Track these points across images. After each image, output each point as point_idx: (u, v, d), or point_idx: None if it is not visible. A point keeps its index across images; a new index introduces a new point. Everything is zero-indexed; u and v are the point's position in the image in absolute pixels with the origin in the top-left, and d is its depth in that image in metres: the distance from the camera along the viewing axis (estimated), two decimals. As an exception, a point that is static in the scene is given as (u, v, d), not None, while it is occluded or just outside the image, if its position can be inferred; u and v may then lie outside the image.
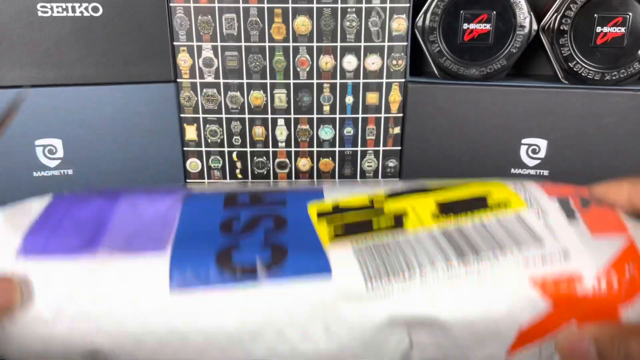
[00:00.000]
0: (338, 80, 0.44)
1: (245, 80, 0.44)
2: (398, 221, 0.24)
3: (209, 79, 0.44)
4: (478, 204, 0.25)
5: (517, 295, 0.22)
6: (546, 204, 0.25)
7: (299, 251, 0.23)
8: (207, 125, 0.45)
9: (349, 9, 0.42)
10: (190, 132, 0.45)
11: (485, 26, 0.42)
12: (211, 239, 0.23)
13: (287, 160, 0.47)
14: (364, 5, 0.42)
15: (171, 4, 0.42)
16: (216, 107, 0.45)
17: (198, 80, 0.44)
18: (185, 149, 0.46)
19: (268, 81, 0.44)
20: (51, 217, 0.25)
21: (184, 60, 0.43)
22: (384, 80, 0.44)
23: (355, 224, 0.24)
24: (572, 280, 0.22)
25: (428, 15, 0.42)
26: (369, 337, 0.22)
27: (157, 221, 0.25)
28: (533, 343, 0.22)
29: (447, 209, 0.25)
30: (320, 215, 0.25)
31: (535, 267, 0.22)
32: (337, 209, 0.25)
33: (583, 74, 0.42)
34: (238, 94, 0.44)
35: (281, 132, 0.45)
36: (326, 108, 0.45)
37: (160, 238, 0.23)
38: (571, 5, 0.40)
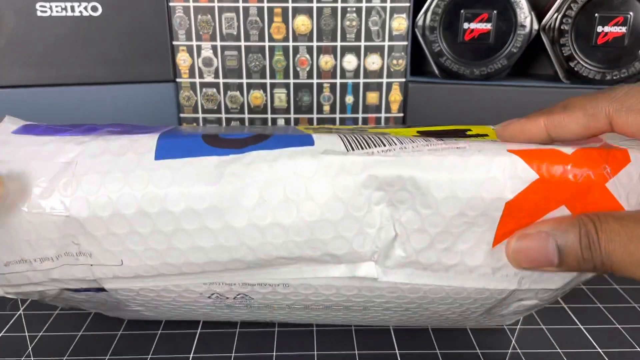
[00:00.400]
0: (338, 80, 0.44)
1: (245, 80, 0.44)
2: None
3: (209, 78, 0.44)
4: (458, 133, 0.26)
5: (501, 162, 0.22)
6: None
7: (282, 133, 0.23)
8: (207, 125, 0.45)
9: (349, 9, 0.42)
10: (190, 132, 0.45)
11: (485, 26, 0.41)
12: (199, 132, 0.24)
13: (287, 160, 0.46)
14: (364, 4, 0.42)
15: (171, 4, 0.41)
16: (216, 107, 0.45)
17: (198, 80, 0.44)
18: (185, 148, 0.46)
19: (268, 81, 0.44)
20: (36, 127, 0.25)
21: (183, 59, 0.43)
22: (384, 80, 0.44)
23: (338, 128, 0.25)
24: (556, 153, 0.22)
25: (428, 15, 0.42)
26: (349, 199, 0.22)
27: (145, 130, 0.25)
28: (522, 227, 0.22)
29: (429, 133, 0.26)
30: (307, 129, 0.26)
31: (517, 147, 0.22)
32: (324, 127, 0.26)
33: (584, 74, 0.41)
34: (238, 93, 0.44)
35: (281, 132, 0.45)
36: (326, 108, 0.45)
37: (150, 131, 0.24)
38: (572, 5, 0.40)
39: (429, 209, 0.22)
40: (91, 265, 0.23)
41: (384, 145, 0.22)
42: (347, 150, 0.22)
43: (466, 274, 0.24)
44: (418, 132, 0.27)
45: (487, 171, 0.22)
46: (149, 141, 0.23)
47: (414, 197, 0.22)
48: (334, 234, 0.22)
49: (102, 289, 0.24)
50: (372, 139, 0.23)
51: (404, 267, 0.24)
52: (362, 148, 0.22)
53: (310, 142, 0.22)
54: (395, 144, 0.23)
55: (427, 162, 0.22)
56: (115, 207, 0.22)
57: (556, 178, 0.22)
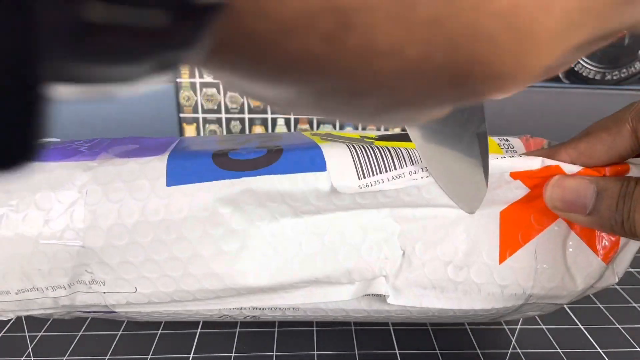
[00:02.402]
0: (338, 80, 0.44)
1: (245, 80, 0.44)
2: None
3: (209, 78, 0.44)
4: None
5: (494, 177, 0.22)
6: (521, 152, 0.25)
7: (294, 149, 0.22)
8: (207, 125, 0.45)
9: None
10: (190, 132, 0.45)
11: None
12: (207, 150, 0.23)
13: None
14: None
15: (171, 4, 0.41)
16: (216, 107, 0.45)
17: (197, 80, 0.44)
18: (184, 148, 0.46)
19: (268, 81, 0.44)
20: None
21: (183, 59, 0.43)
22: (384, 80, 0.44)
23: (345, 138, 0.24)
24: (556, 170, 0.22)
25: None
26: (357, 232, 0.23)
27: (152, 147, 0.24)
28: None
29: None
30: (313, 135, 0.25)
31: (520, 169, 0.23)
32: (329, 135, 0.25)
33: (584, 74, 0.41)
34: (238, 93, 0.44)
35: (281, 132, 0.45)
36: (326, 108, 0.45)
37: (157, 150, 0.24)
38: (572, 5, 0.40)
39: (433, 220, 0.23)
40: (104, 292, 0.23)
41: (394, 169, 0.22)
42: (359, 178, 0.22)
43: (475, 294, 0.23)
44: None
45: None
46: (159, 164, 0.22)
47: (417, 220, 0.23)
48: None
49: (113, 312, 0.24)
50: (384, 161, 0.22)
51: (412, 286, 0.23)
52: (373, 174, 0.22)
53: (322, 167, 0.22)
54: (406, 166, 0.22)
55: (431, 193, 0.23)
56: (132, 235, 0.22)
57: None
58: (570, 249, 0.23)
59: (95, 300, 0.23)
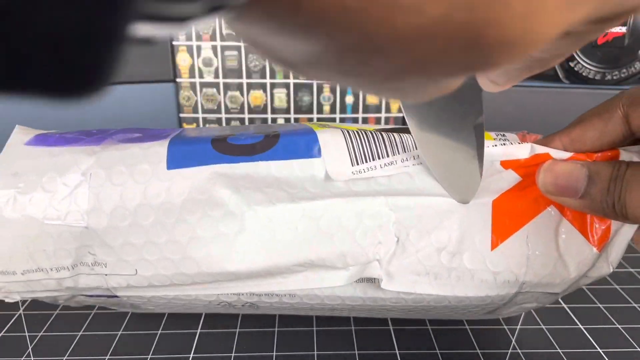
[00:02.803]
0: (338, 80, 0.44)
1: (245, 80, 0.44)
2: None
3: (209, 78, 0.44)
4: None
5: (486, 167, 0.23)
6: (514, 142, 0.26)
7: (290, 135, 0.23)
8: (207, 125, 0.45)
9: (349, 9, 0.42)
10: (190, 132, 0.45)
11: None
12: (207, 136, 0.24)
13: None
14: (364, 4, 0.42)
15: (171, 4, 0.41)
16: (216, 107, 0.45)
17: (197, 80, 0.44)
18: (184, 148, 0.46)
19: (268, 81, 0.44)
20: (47, 137, 0.25)
21: (183, 59, 0.43)
22: (384, 80, 0.44)
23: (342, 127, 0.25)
24: (546, 157, 0.23)
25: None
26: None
27: (155, 135, 0.25)
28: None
29: None
30: (312, 124, 0.26)
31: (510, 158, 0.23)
32: (328, 126, 0.26)
33: (584, 74, 0.41)
34: (238, 93, 0.44)
35: (281, 132, 0.45)
36: (326, 108, 0.45)
37: (159, 137, 0.24)
38: (572, 5, 0.40)
39: (427, 209, 0.23)
40: (106, 275, 0.23)
41: (387, 157, 0.23)
42: (352, 165, 0.22)
43: (468, 280, 0.24)
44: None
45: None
46: (160, 149, 0.23)
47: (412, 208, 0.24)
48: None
49: (115, 296, 0.25)
50: (377, 148, 0.23)
51: (406, 272, 0.24)
52: (366, 161, 0.22)
53: (317, 153, 0.22)
54: (398, 154, 0.23)
55: (424, 180, 0.23)
56: (134, 217, 0.22)
57: None
58: (563, 236, 0.23)
59: (98, 283, 0.24)
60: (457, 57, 0.10)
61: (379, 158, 0.23)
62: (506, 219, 0.23)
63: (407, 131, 0.25)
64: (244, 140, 0.23)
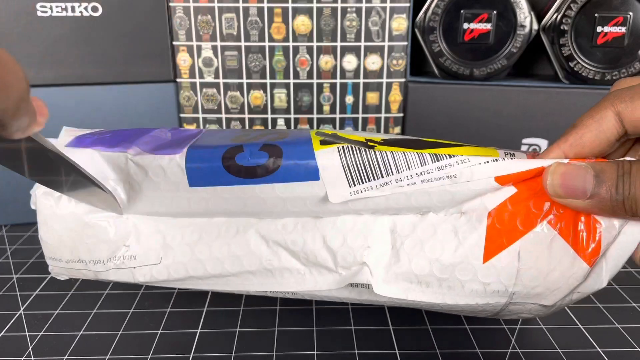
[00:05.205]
0: (338, 80, 0.44)
1: (245, 80, 0.44)
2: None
3: (209, 78, 0.44)
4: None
5: (482, 183, 0.24)
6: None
7: (292, 157, 0.25)
8: (207, 125, 0.45)
9: (349, 9, 0.42)
10: (190, 132, 0.45)
11: (485, 26, 0.41)
12: (219, 149, 0.26)
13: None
14: (364, 4, 0.42)
15: (171, 4, 0.41)
16: (216, 107, 0.45)
17: (198, 80, 0.44)
18: (185, 149, 0.46)
19: (268, 81, 0.44)
20: (85, 139, 0.27)
21: (183, 60, 0.43)
22: (384, 80, 0.44)
23: (346, 139, 0.26)
24: (541, 170, 0.23)
25: (428, 15, 0.42)
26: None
27: (172, 144, 0.27)
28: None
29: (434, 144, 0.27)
30: (317, 134, 0.27)
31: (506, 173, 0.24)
32: (335, 135, 0.27)
33: (583, 74, 0.41)
34: (238, 93, 0.44)
35: (281, 132, 0.45)
36: (326, 108, 0.45)
37: (177, 146, 0.26)
38: (572, 5, 0.40)
39: (423, 230, 0.25)
40: (134, 267, 0.27)
41: (382, 177, 0.24)
42: (350, 186, 0.24)
43: (458, 289, 0.24)
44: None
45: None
46: (179, 163, 0.25)
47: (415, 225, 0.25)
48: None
49: None
50: (372, 168, 0.24)
51: (400, 280, 0.25)
52: (362, 182, 0.24)
53: (316, 176, 0.24)
54: (392, 174, 0.24)
55: (420, 199, 0.24)
56: (164, 219, 0.26)
57: (535, 190, 0.23)
58: (554, 251, 0.23)
59: (126, 277, 0.27)
60: None
61: (374, 179, 0.24)
62: (500, 233, 0.24)
63: (405, 143, 0.25)
64: (250, 160, 0.25)
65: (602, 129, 0.23)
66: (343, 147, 0.24)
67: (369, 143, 0.25)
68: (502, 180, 0.23)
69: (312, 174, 0.24)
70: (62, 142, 0.27)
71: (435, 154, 0.24)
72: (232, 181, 0.25)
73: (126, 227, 0.26)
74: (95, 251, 0.26)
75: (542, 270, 0.24)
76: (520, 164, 0.23)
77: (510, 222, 0.24)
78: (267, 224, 0.26)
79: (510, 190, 0.24)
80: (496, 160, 0.23)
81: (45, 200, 0.26)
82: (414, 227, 0.25)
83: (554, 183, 0.22)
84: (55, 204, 0.26)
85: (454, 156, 0.24)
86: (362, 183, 0.24)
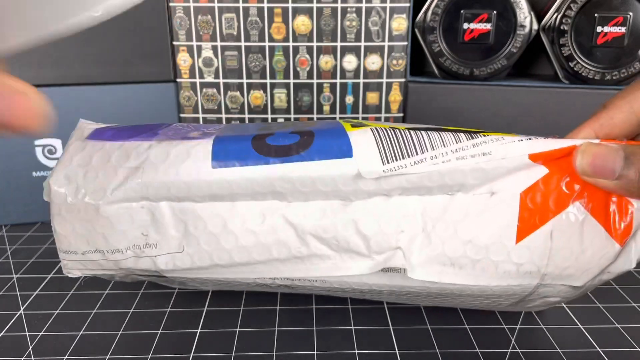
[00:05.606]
0: (338, 80, 0.44)
1: (245, 80, 0.44)
2: None
3: (209, 78, 0.44)
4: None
5: (515, 160, 0.24)
6: None
7: (324, 136, 0.25)
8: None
9: (348, 9, 0.42)
10: (190, 132, 0.45)
11: (485, 26, 0.41)
12: (247, 135, 0.26)
13: (287, 160, 0.47)
14: (364, 4, 0.42)
15: (171, 4, 0.41)
16: (216, 107, 0.45)
17: (198, 80, 0.44)
18: (185, 148, 0.46)
19: (268, 81, 0.44)
20: (105, 131, 0.27)
21: (183, 60, 0.43)
22: (384, 80, 0.44)
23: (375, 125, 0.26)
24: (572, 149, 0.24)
25: (428, 15, 0.42)
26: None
27: (197, 134, 0.27)
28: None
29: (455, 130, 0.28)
30: (345, 122, 0.27)
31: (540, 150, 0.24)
32: (360, 122, 0.27)
33: (583, 74, 0.41)
34: (238, 93, 0.44)
35: (281, 132, 0.45)
36: (326, 108, 0.45)
37: (204, 134, 0.27)
38: (572, 5, 0.40)
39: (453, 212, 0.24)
40: (155, 256, 0.26)
41: (416, 154, 0.24)
42: (383, 163, 0.24)
43: (492, 271, 0.24)
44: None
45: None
46: (205, 147, 0.25)
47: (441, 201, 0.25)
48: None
49: (163, 276, 0.27)
50: (406, 146, 0.24)
51: (433, 263, 0.25)
52: (396, 159, 0.24)
53: (349, 153, 0.24)
54: (427, 151, 0.24)
55: (454, 177, 0.24)
56: (182, 205, 0.25)
57: (567, 171, 0.24)
58: (586, 230, 0.24)
59: (147, 265, 0.26)
60: None
61: (409, 156, 0.24)
62: (533, 213, 0.24)
63: (434, 129, 0.25)
64: (281, 140, 0.25)
65: (634, 110, 0.23)
66: (376, 128, 0.25)
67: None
68: (535, 158, 0.24)
69: (346, 151, 0.24)
70: (80, 134, 0.27)
71: (470, 132, 0.24)
72: (259, 160, 0.24)
73: (142, 215, 0.26)
74: (112, 241, 0.26)
75: (575, 250, 0.24)
76: (553, 143, 0.24)
77: (543, 203, 0.24)
78: (295, 210, 0.25)
79: (542, 171, 0.24)
80: (530, 139, 0.24)
81: (59, 190, 0.26)
82: (444, 209, 0.24)
83: (583, 162, 0.23)
84: (69, 195, 0.26)
85: (487, 135, 0.24)
86: (396, 160, 0.24)
